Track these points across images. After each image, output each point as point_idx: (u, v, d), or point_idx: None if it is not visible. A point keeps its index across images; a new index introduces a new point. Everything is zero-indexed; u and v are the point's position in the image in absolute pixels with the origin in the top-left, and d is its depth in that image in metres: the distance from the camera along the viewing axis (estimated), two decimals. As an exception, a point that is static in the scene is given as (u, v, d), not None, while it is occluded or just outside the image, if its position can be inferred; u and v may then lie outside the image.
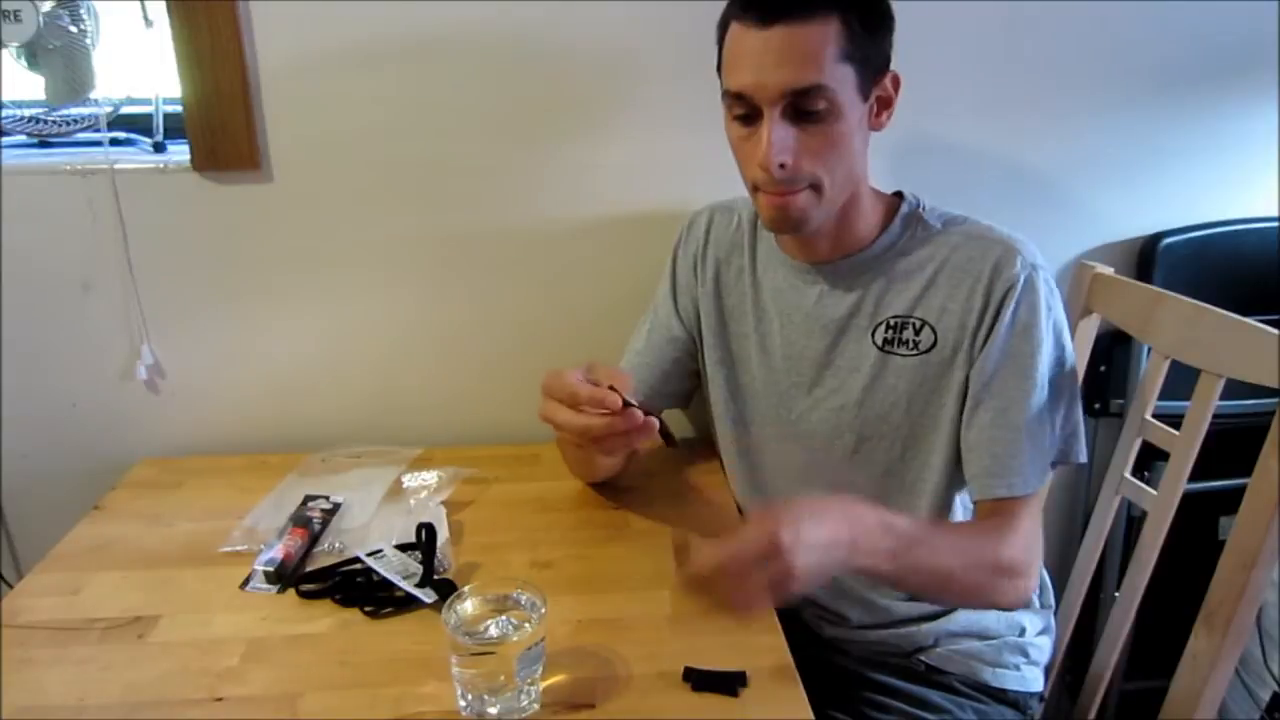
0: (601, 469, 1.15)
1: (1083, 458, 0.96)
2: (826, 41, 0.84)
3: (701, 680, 0.82)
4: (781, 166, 0.87)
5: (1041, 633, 1.08)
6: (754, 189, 0.92)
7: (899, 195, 1.01)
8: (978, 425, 0.94)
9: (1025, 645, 1.05)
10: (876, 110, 0.92)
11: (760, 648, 0.87)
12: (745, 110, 0.88)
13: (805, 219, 0.91)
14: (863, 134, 0.91)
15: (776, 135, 0.86)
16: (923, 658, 1.03)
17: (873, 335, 0.98)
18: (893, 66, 0.92)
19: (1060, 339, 0.95)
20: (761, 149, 0.86)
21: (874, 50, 0.88)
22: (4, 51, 1.19)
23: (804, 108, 0.85)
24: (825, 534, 0.77)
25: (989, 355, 0.93)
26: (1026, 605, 1.04)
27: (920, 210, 0.99)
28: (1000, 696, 1.03)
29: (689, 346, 1.15)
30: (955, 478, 0.99)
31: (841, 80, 0.85)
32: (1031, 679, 1.05)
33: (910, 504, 1.01)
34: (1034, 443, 0.92)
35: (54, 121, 1.29)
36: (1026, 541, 0.92)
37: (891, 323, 0.97)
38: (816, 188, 0.89)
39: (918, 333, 0.96)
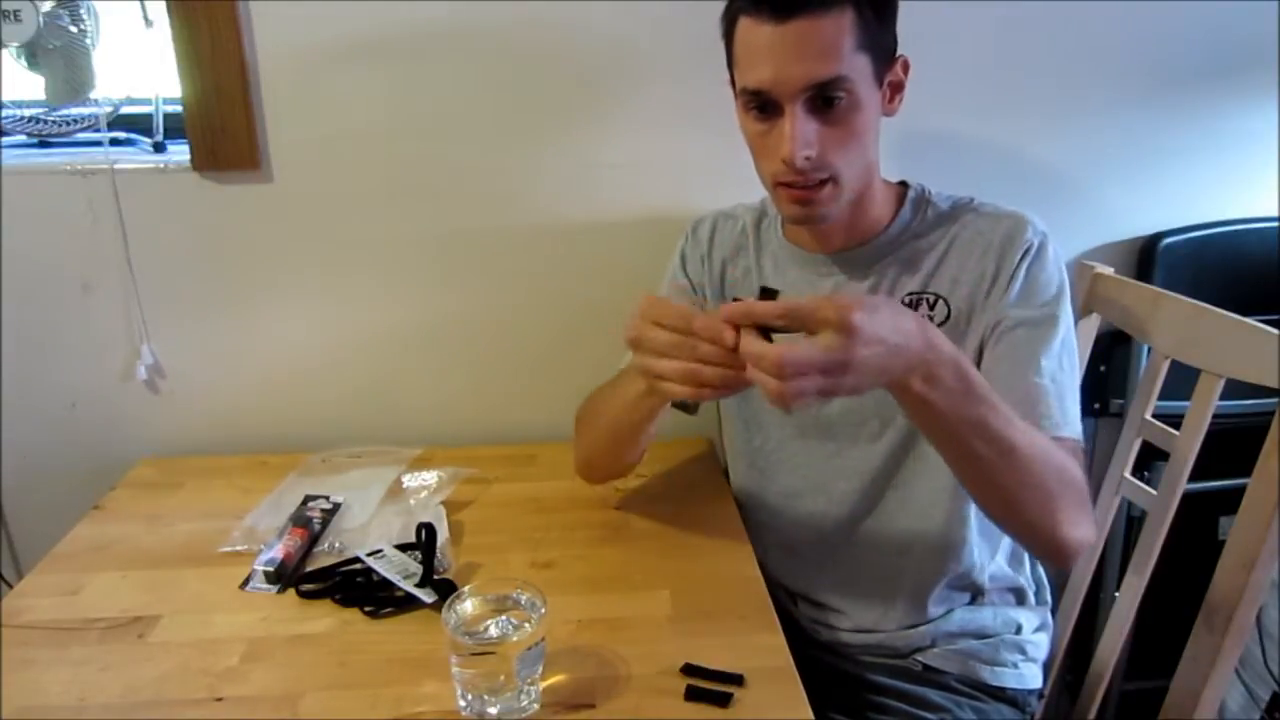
0: (625, 458, 1.10)
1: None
2: (843, 32, 0.84)
3: (699, 676, 0.82)
4: (806, 159, 0.87)
5: (1038, 630, 1.08)
6: (774, 184, 0.93)
7: (904, 184, 1.02)
8: (1002, 374, 0.91)
9: (1022, 643, 1.05)
10: (889, 96, 0.93)
11: (760, 648, 0.87)
12: (763, 106, 0.88)
13: (827, 213, 0.92)
14: (877, 122, 0.92)
15: (799, 129, 0.86)
16: (920, 658, 1.03)
17: None
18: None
19: (1069, 301, 0.95)
20: (785, 143, 0.87)
21: (885, 37, 0.89)
22: (4, 51, 1.19)
23: (825, 99, 0.86)
24: (897, 334, 0.71)
25: (1006, 308, 0.93)
26: (1071, 562, 0.92)
27: (927, 194, 1.01)
28: (999, 694, 1.03)
29: None
30: None
31: (859, 70, 0.86)
32: (1030, 676, 1.05)
33: (932, 482, 1.00)
34: (1060, 391, 0.91)
35: (54, 121, 1.29)
36: (1081, 482, 0.88)
37: (906, 300, 0.98)
38: (835, 180, 0.90)
39: (931, 308, 0.97)
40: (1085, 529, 0.87)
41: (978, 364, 0.95)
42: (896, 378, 0.74)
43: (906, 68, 0.94)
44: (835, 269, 1.01)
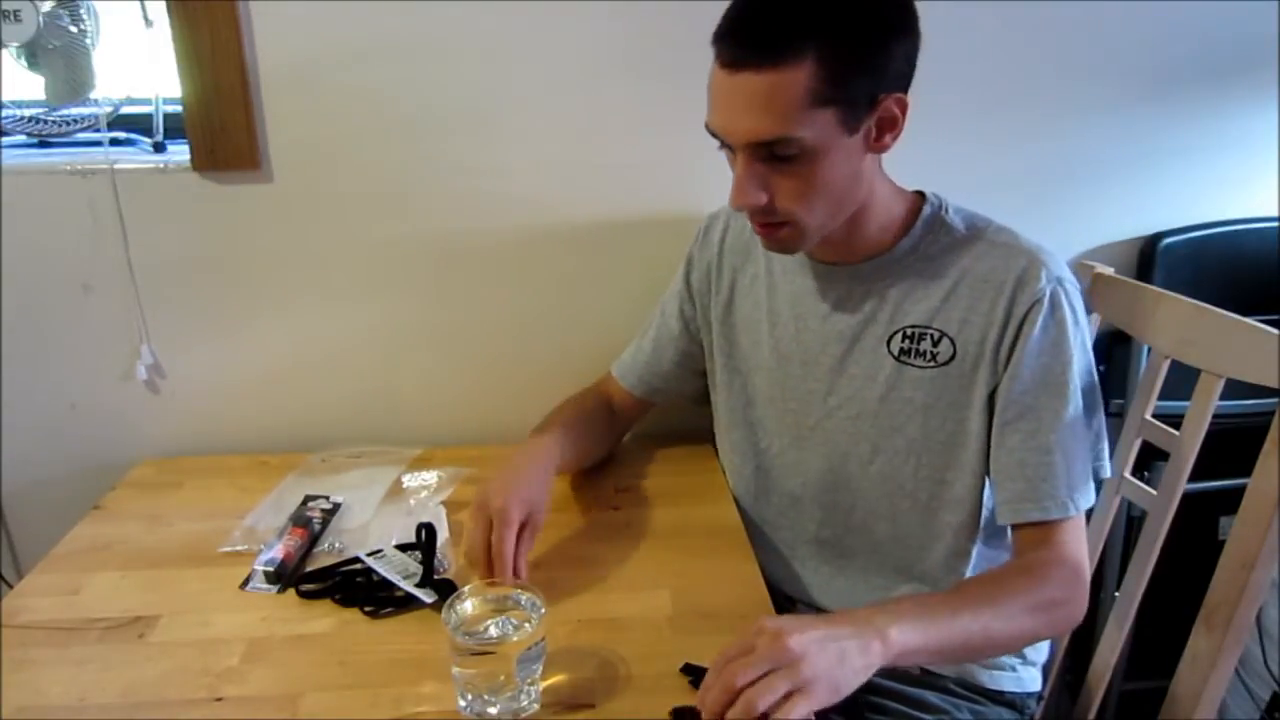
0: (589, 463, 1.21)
1: (1107, 472, 0.96)
2: (795, 89, 0.79)
3: (699, 676, 0.81)
4: (751, 206, 0.86)
5: None
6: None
7: (921, 195, 0.99)
8: (1008, 448, 0.91)
9: None
10: (875, 135, 0.86)
11: (760, 648, 0.87)
12: (723, 144, 0.87)
13: (790, 248, 0.92)
14: (852, 164, 0.87)
15: (745, 176, 0.84)
16: (917, 661, 1.03)
17: (888, 344, 0.97)
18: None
19: (1086, 352, 0.93)
20: (732, 189, 0.86)
21: (862, 83, 0.82)
22: (4, 51, 1.19)
23: (774, 154, 0.83)
24: (824, 625, 0.74)
25: (1016, 375, 0.90)
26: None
27: (943, 213, 0.97)
28: (997, 698, 1.03)
29: (690, 347, 1.15)
30: (982, 495, 0.98)
31: (816, 125, 0.81)
32: (1028, 680, 1.05)
33: (930, 519, 1.00)
34: (1068, 463, 0.90)
35: (54, 121, 1.29)
36: (1068, 565, 0.88)
37: (909, 332, 0.96)
38: (792, 224, 0.88)
39: (935, 344, 0.95)
40: (1070, 614, 0.88)
41: (986, 415, 0.94)
42: (871, 640, 0.73)
43: (903, 105, 0.86)
44: (840, 281, 0.99)
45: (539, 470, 1.01)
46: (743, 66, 0.80)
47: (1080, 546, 0.90)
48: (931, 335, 0.95)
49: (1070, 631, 0.97)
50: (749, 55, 0.79)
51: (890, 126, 0.87)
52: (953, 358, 0.94)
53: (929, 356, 0.95)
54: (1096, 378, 0.95)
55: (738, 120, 0.82)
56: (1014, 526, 0.92)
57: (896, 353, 0.97)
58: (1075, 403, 0.90)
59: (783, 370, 1.05)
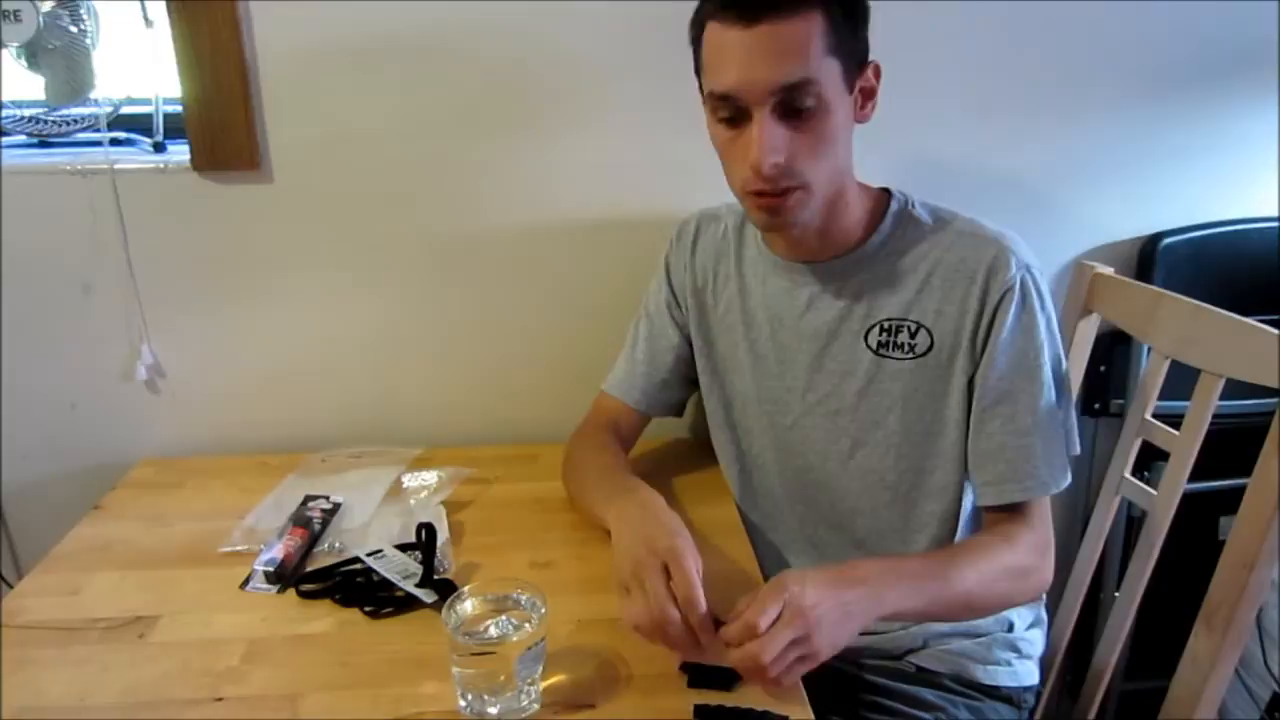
0: None
1: (1076, 449, 0.98)
2: (812, 35, 0.83)
3: (698, 676, 0.82)
4: (774, 166, 0.85)
5: (1031, 626, 1.08)
6: (743, 193, 0.91)
7: (886, 192, 1.00)
8: (988, 433, 0.94)
9: (1015, 640, 1.05)
10: (861, 102, 0.91)
11: (760, 648, 0.87)
12: (731, 112, 0.87)
13: (796, 220, 0.91)
14: (849, 128, 0.91)
15: (767, 134, 0.84)
16: (913, 659, 1.03)
17: (865, 338, 0.98)
18: (889, 65, 0.92)
19: (1054, 335, 0.95)
20: (753, 150, 0.85)
21: (855, 42, 0.88)
22: (4, 51, 1.19)
23: (794, 104, 0.84)
24: (837, 575, 0.80)
25: (993, 362, 0.93)
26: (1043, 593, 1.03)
27: (910, 207, 0.99)
28: (993, 693, 1.03)
29: (687, 354, 1.15)
30: (963, 481, 0.99)
31: (828, 74, 0.84)
32: (1024, 673, 1.05)
33: (910, 510, 1.01)
34: (1046, 444, 0.93)
35: (54, 121, 1.29)
36: (1039, 537, 0.93)
37: (885, 325, 0.97)
38: (805, 187, 0.88)
39: (913, 336, 0.96)
40: (1039, 582, 0.95)
41: (964, 403, 0.95)
42: (872, 603, 0.80)
43: (879, 74, 0.92)
44: (813, 279, 1.00)
45: (667, 509, 0.92)
46: (762, 18, 0.82)
47: (1048, 520, 0.96)
48: (908, 327, 0.96)
49: (1038, 599, 1.02)
50: (768, 6, 0.82)
51: (870, 95, 0.92)
52: (930, 348, 0.96)
53: (907, 348, 0.96)
54: (1064, 357, 0.97)
55: (760, 70, 0.83)
56: (992, 506, 0.95)
57: (875, 346, 0.98)
58: (1049, 385, 0.93)
59: (759, 371, 1.06)
